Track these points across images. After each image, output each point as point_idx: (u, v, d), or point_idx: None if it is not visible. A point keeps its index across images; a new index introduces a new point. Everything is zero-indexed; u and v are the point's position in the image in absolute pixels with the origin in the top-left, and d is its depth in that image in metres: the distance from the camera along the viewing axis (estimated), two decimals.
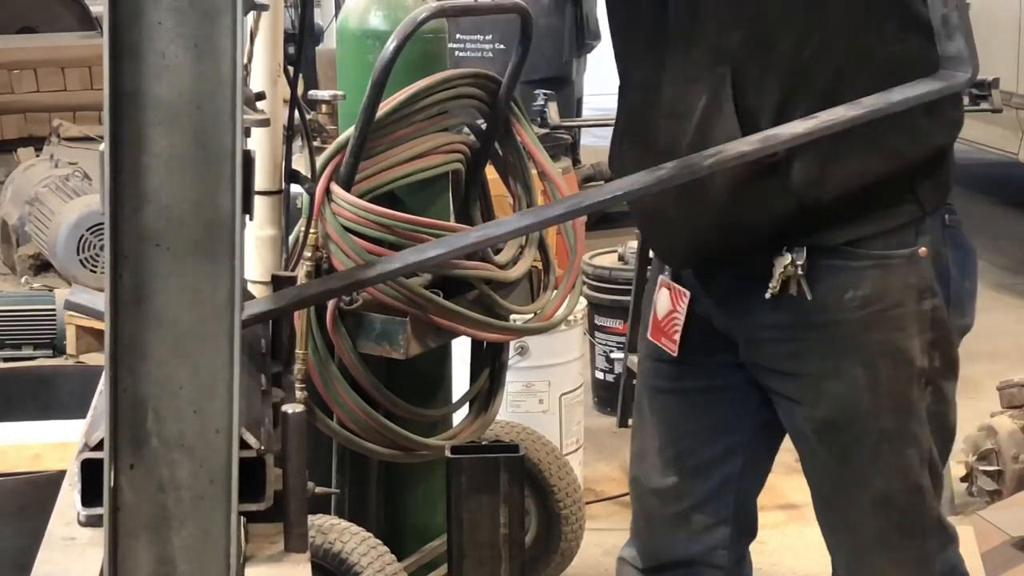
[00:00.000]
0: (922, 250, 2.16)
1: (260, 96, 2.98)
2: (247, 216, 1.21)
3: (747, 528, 2.46)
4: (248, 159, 1.19)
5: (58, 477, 1.81)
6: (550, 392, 4.12)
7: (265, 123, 2.56)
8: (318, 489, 1.77)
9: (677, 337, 2.33)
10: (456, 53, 6.83)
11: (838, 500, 2.26)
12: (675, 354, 2.34)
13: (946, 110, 2.15)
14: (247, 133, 2.84)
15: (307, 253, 2.92)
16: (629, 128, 2.29)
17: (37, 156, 7.58)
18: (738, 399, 2.35)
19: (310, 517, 1.78)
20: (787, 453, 4.81)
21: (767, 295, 2.15)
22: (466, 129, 3.21)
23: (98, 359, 4.94)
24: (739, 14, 2.10)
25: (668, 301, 2.37)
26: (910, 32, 2.10)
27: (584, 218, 4.19)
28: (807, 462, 2.29)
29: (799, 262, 2.13)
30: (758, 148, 1.75)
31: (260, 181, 3.14)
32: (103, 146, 1.13)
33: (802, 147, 2.05)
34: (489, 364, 3.32)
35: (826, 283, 2.15)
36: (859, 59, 2.09)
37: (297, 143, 2.94)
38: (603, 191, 1.75)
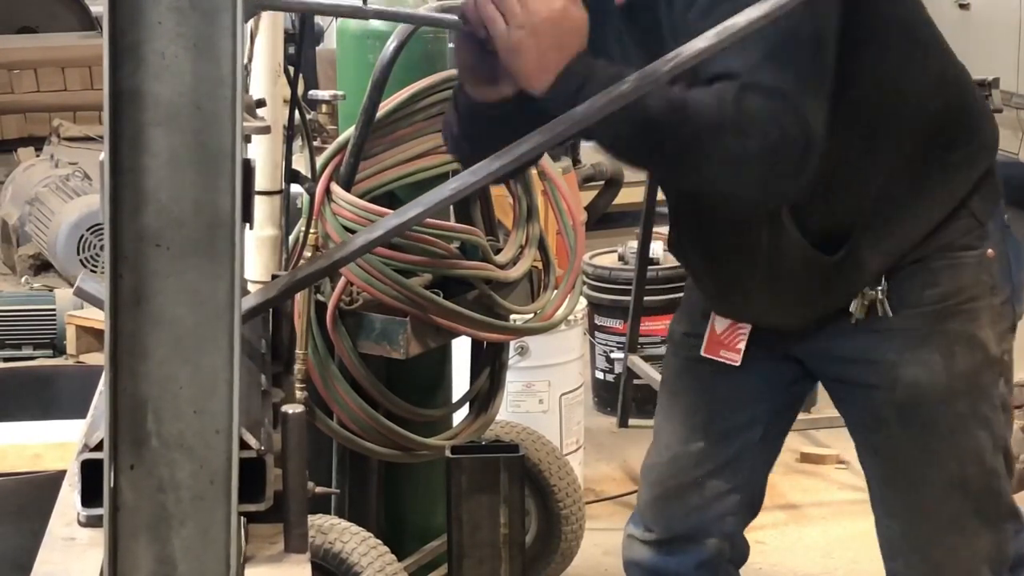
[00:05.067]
0: (989, 252, 2.29)
1: (260, 103, 2.99)
2: (247, 224, 1.21)
3: (753, 501, 2.54)
4: (248, 167, 1.19)
5: (58, 477, 1.81)
6: (550, 392, 4.12)
7: (266, 130, 2.57)
8: (318, 489, 1.77)
9: (742, 347, 2.41)
10: None
11: (914, 483, 2.33)
12: (737, 364, 2.41)
13: (982, 138, 2.31)
14: (247, 140, 2.84)
15: (307, 253, 2.92)
16: (690, 247, 2.42)
17: (37, 156, 7.58)
18: (772, 370, 2.44)
19: (310, 517, 1.78)
20: (787, 453, 4.81)
21: (852, 322, 2.27)
22: None
23: (98, 359, 4.95)
24: None
25: None
26: (933, 88, 2.24)
27: (584, 218, 4.19)
28: (886, 447, 2.35)
29: (879, 287, 2.25)
30: (715, 43, 1.74)
31: (260, 181, 3.14)
32: (103, 155, 1.13)
33: (865, 237, 2.22)
34: (489, 364, 3.32)
35: (904, 286, 2.27)
36: (898, 133, 2.21)
37: (297, 143, 2.94)
38: (570, 116, 1.73)
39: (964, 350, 2.27)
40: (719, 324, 2.43)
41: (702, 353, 2.44)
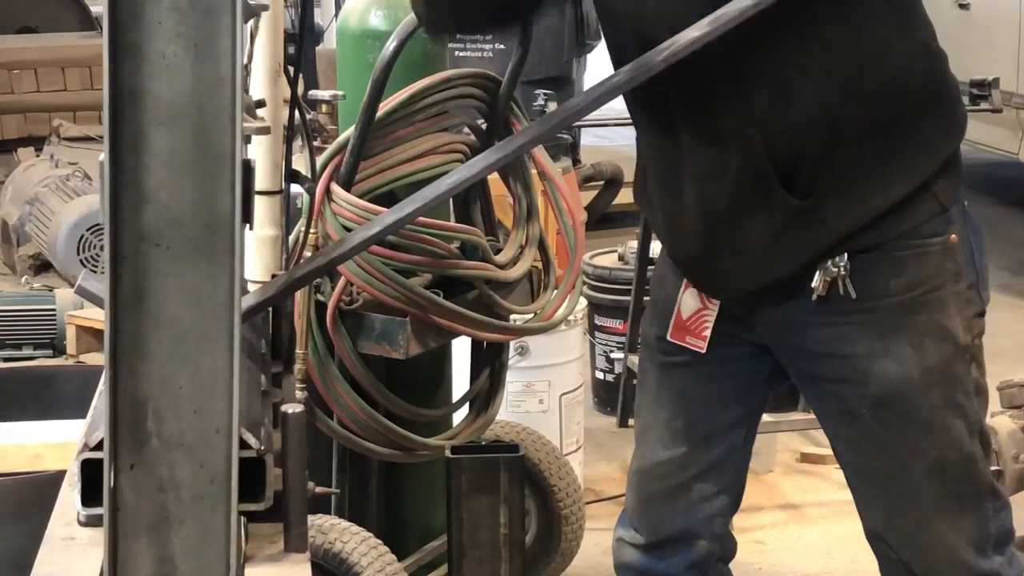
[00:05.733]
0: (952, 237, 2.29)
1: (260, 104, 2.98)
2: (247, 225, 1.21)
3: (739, 499, 2.56)
4: (248, 168, 1.19)
5: (58, 477, 1.81)
6: (550, 392, 4.12)
7: (265, 131, 2.58)
8: (318, 489, 1.77)
9: (707, 334, 2.41)
10: (456, 53, 6.82)
11: (894, 474, 2.34)
12: (703, 351, 2.41)
13: (953, 116, 2.31)
14: (247, 140, 2.84)
15: (307, 253, 2.92)
16: (656, 181, 2.41)
17: (37, 156, 7.58)
18: (748, 370, 2.45)
19: (310, 517, 1.78)
20: (787, 453, 4.82)
21: (813, 297, 2.27)
22: (466, 129, 3.21)
23: (98, 359, 4.95)
24: (761, 76, 2.20)
25: (697, 300, 2.43)
26: (917, 56, 2.26)
27: (584, 218, 4.19)
28: (861, 440, 2.35)
29: (841, 264, 2.25)
30: (708, 31, 1.74)
31: (260, 181, 3.14)
32: (103, 155, 1.13)
33: (831, 189, 2.22)
34: (489, 364, 3.32)
35: (869, 274, 2.27)
36: (878, 88, 2.22)
37: (297, 143, 2.94)
38: (566, 108, 1.74)
39: (933, 342, 2.28)
40: (685, 309, 2.42)
41: (668, 338, 2.44)
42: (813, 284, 2.26)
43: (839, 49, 2.19)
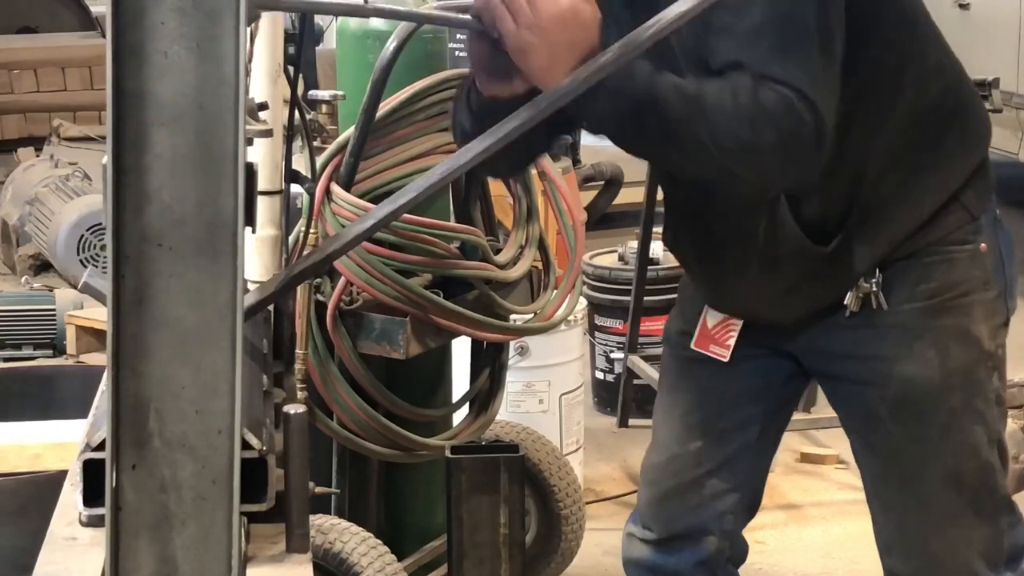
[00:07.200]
0: (982, 246, 2.29)
1: (263, 107, 2.98)
2: (249, 227, 1.21)
3: (752, 501, 2.55)
4: (250, 170, 1.19)
5: (58, 477, 1.81)
6: (550, 392, 4.12)
7: (267, 134, 2.57)
8: (318, 489, 1.77)
9: (731, 343, 2.42)
10: (456, 53, 6.82)
11: (911, 479, 2.34)
12: (726, 360, 2.42)
13: (976, 128, 2.32)
14: (249, 143, 2.84)
15: (307, 253, 2.92)
16: (686, 240, 2.43)
17: (37, 156, 7.58)
18: (768, 369, 2.45)
19: (310, 517, 1.78)
20: (787, 453, 4.82)
21: (847, 314, 2.28)
22: None
23: (98, 359, 4.95)
24: None
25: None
26: (930, 79, 2.25)
27: (584, 218, 4.19)
28: (881, 444, 2.35)
29: (873, 280, 2.26)
30: (696, 4, 1.73)
31: (260, 181, 3.14)
32: (106, 156, 1.13)
33: (859, 227, 2.22)
34: (489, 364, 3.32)
35: (898, 281, 2.27)
36: (895, 127, 2.22)
37: (297, 143, 2.94)
38: (554, 91, 1.73)
39: (958, 345, 2.28)
40: (711, 319, 2.43)
41: (692, 346, 2.44)
42: (846, 302, 2.27)
43: (854, 107, 2.17)
